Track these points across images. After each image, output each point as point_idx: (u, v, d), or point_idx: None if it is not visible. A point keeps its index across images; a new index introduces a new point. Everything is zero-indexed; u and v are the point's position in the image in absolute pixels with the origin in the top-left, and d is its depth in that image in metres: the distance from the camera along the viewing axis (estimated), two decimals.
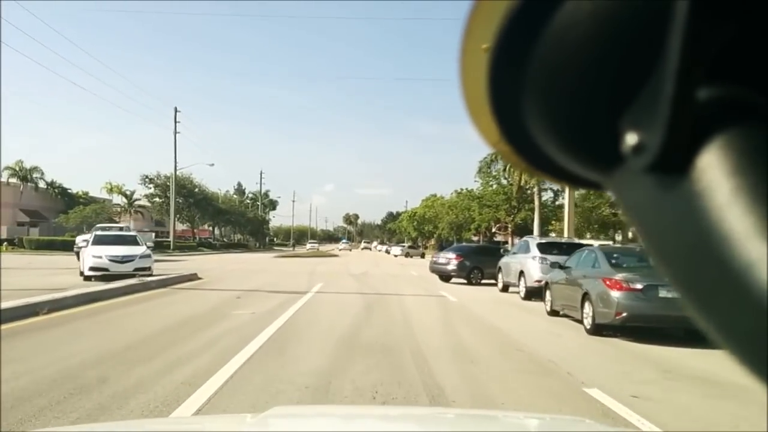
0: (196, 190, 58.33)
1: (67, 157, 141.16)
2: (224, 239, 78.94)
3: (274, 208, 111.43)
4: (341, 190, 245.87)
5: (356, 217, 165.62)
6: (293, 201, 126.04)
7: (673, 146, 0.25)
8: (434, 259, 20.44)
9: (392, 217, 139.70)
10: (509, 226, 41.10)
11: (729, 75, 0.27)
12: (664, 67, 0.25)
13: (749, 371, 0.24)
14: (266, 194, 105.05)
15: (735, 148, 0.25)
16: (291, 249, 76.83)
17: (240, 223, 70.70)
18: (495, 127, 0.32)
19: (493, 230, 47.78)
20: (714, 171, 0.25)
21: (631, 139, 0.27)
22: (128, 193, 43.38)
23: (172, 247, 46.44)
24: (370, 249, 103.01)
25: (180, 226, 76.10)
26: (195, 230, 64.01)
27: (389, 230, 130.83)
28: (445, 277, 19.71)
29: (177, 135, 47.75)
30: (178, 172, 55.73)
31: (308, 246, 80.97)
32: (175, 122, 47.90)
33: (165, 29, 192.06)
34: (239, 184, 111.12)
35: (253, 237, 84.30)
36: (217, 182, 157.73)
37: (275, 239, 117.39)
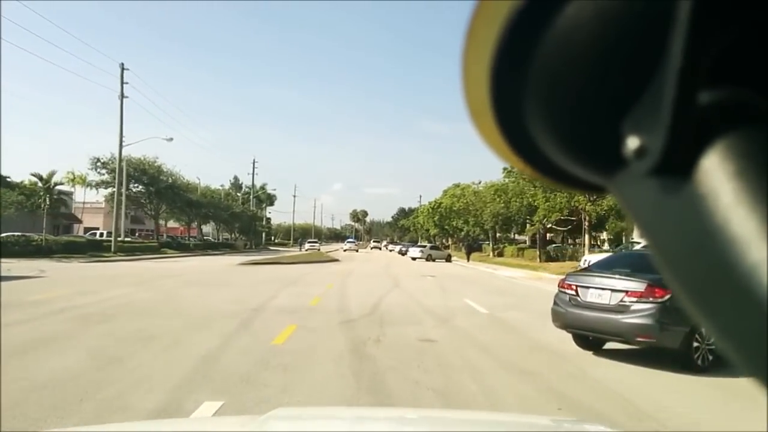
0: (162, 177, 46.01)
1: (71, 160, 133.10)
2: (209, 238, 66.71)
3: (271, 204, 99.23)
4: (350, 190, 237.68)
5: (364, 213, 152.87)
6: (294, 196, 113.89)
7: (676, 149, 0.25)
8: (571, 293, 7.42)
9: (404, 213, 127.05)
10: (587, 218, 28.30)
11: (731, 78, 0.27)
12: (667, 70, 0.25)
13: (751, 373, 0.24)
14: (262, 188, 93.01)
15: (738, 150, 0.25)
16: (298, 249, 63.88)
17: (222, 218, 58.29)
18: (497, 129, 0.32)
19: (549, 225, 35.11)
20: (716, 174, 0.25)
21: (632, 142, 0.27)
22: (45, 176, 30.91)
23: (113, 248, 34.10)
24: (380, 248, 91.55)
25: (171, 225, 63.99)
26: (160, 226, 51.79)
27: (401, 228, 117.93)
28: (594, 340, 7.14)
29: (132, 102, 35.52)
30: (135, 155, 43.66)
31: (307, 246, 68.28)
32: (122, 82, 35.52)
33: (178, 34, 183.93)
34: (236, 178, 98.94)
35: (245, 235, 72.00)
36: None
37: (273, 238, 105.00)
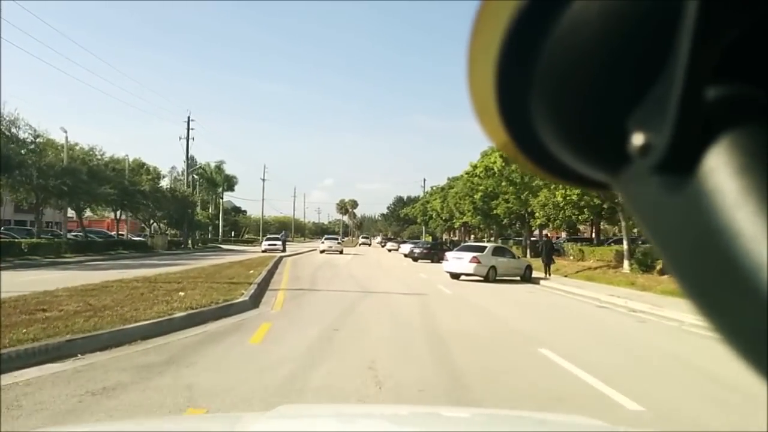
0: None
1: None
2: (123, 233, 42.69)
3: (231, 188, 74.72)
4: (341, 185, 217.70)
5: (354, 204, 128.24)
6: (263, 179, 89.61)
7: (681, 146, 0.25)
8: None
9: (402, 203, 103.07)
10: None
11: (737, 74, 0.26)
12: (673, 66, 0.24)
13: (754, 371, 0.24)
14: (218, 166, 68.83)
15: (743, 147, 0.25)
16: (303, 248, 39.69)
17: (105, 197, 33.79)
18: (502, 126, 0.32)
19: None
20: (721, 171, 0.24)
21: (637, 139, 0.27)
22: None
23: None
24: (369, 245, 71.36)
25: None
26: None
27: (402, 219, 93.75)
28: None
29: None
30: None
31: (265, 245, 44.16)
32: None
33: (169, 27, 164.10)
34: (192, 159, 74.01)
35: (177, 228, 48.08)
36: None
37: (238, 234, 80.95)
